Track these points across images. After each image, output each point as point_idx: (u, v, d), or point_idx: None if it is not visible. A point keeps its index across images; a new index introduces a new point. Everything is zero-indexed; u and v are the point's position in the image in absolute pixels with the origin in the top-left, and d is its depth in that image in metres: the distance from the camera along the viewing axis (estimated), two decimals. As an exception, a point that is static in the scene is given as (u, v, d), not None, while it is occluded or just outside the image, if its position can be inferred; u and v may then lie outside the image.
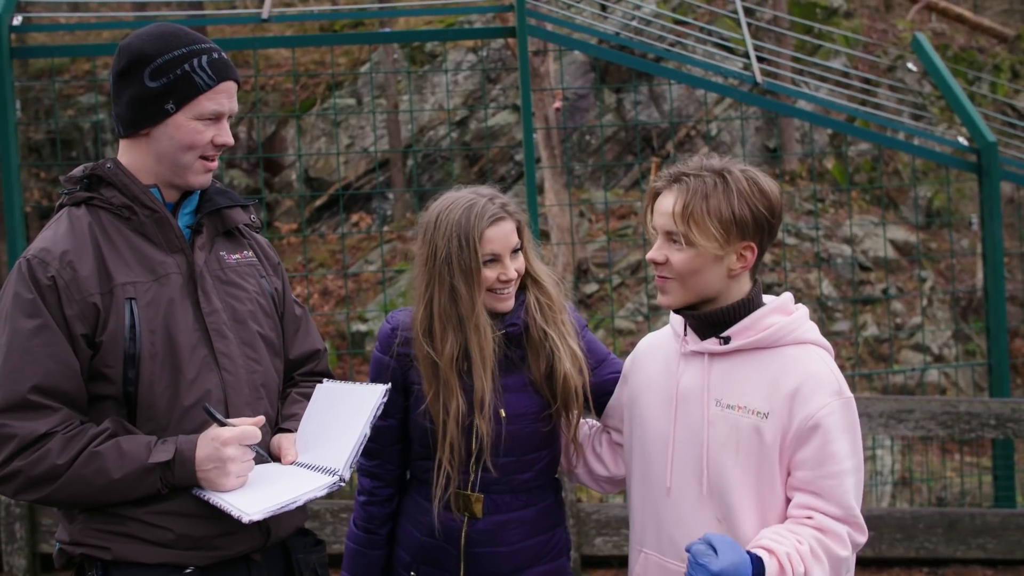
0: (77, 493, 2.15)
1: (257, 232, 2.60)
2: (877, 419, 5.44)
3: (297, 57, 16.77)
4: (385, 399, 2.37)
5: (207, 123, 2.30)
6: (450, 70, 15.44)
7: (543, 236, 14.69)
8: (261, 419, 2.27)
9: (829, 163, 16.26)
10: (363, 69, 16.26)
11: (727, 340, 2.35)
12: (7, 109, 5.52)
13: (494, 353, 2.56)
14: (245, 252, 2.49)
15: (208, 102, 2.28)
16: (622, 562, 5.39)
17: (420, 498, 2.69)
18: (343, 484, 2.23)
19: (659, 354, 2.52)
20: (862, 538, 2.28)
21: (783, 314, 2.37)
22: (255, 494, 2.17)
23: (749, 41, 6.17)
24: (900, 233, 14.91)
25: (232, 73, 2.34)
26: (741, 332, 2.35)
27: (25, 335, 2.15)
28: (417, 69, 16.14)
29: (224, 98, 2.31)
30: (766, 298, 2.44)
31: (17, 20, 5.64)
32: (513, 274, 2.59)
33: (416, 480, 2.73)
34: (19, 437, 2.12)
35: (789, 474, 2.30)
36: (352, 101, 16.41)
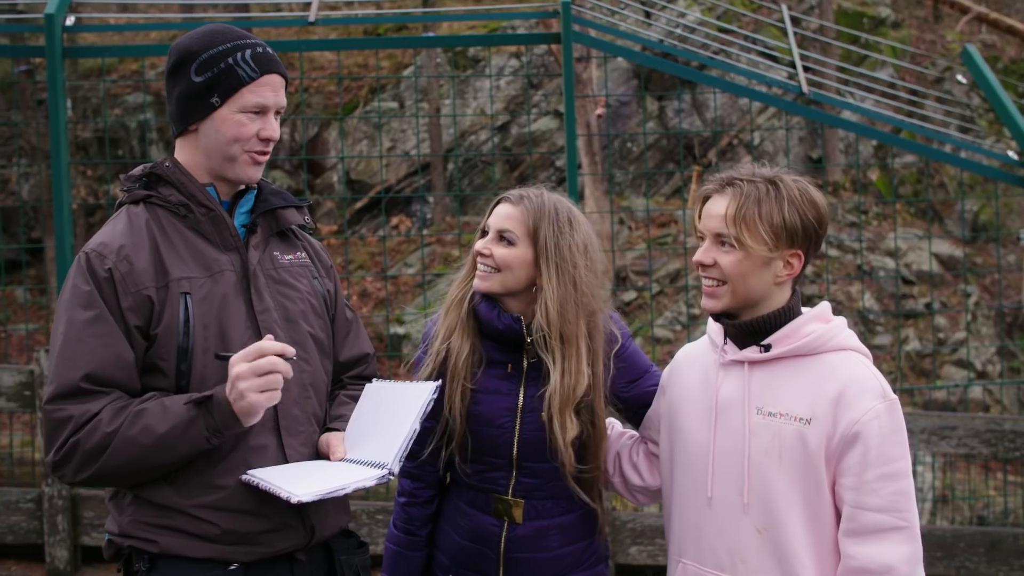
0: (129, 457, 2.18)
1: (311, 233, 2.64)
2: (919, 435, 5.39)
3: (341, 60, 16.92)
4: (436, 395, 2.40)
5: (251, 116, 2.33)
6: (493, 75, 15.48)
7: (582, 243, 14.67)
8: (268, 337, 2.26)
9: (873, 175, 16.12)
10: (406, 73, 16.36)
11: (767, 348, 2.36)
12: (59, 107, 5.62)
13: (468, 315, 2.66)
14: (298, 253, 2.53)
15: (251, 94, 2.32)
16: (657, 572, 5.38)
17: (459, 501, 2.71)
18: (392, 477, 2.24)
19: (697, 364, 2.52)
20: (914, 546, 2.26)
21: (822, 322, 2.39)
22: (305, 481, 2.20)
23: (795, 50, 6.15)
24: (945, 247, 14.75)
25: (277, 67, 2.36)
26: (782, 340, 2.36)
27: (80, 325, 2.21)
28: (460, 73, 16.21)
29: (268, 91, 2.34)
30: (804, 308, 2.45)
31: (70, 20, 5.74)
32: (486, 249, 2.65)
33: (456, 483, 2.76)
34: (75, 418, 2.18)
35: (835, 481, 2.29)
36: (395, 104, 16.52)
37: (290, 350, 2.22)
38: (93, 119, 14.33)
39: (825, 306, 2.44)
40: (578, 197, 5.69)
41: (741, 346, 2.41)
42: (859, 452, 2.25)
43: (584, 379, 2.59)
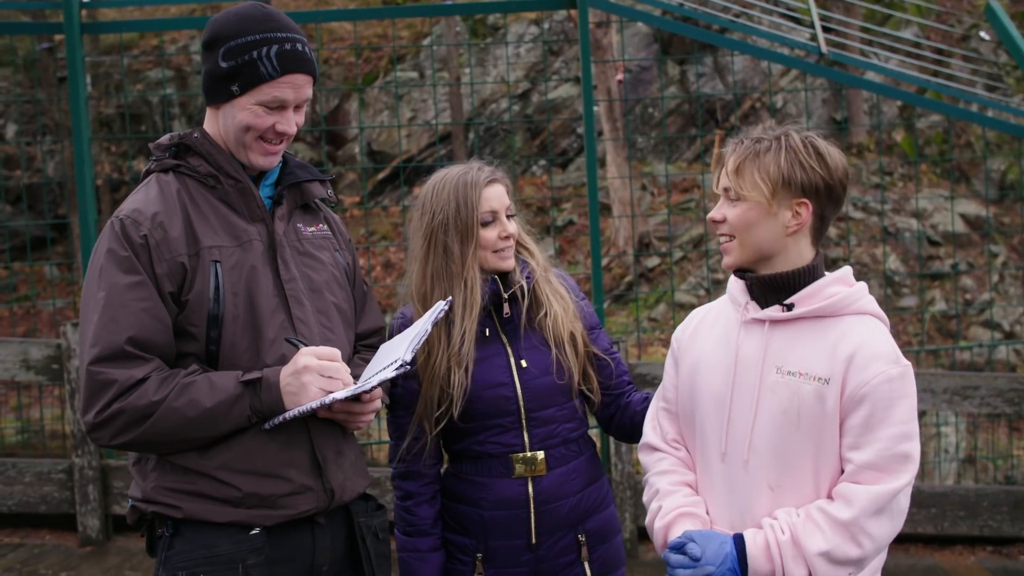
0: (172, 428, 2.23)
1: (333, 207, 2.67)
2: (941, 395, 5.38)
3: (360, 31, 16.88)
4: (447, 307, 2.53)
5: (268, 110, 2.36)
6: (512, 42, 15.41)
7: (604, 209, 14.68)
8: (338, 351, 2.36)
9: (898, 135, 15.96)
10: (425, 42, 16.31)
11: (790, 308, 2.38)
12: (79, 84, 5.66)
13: (482, 307, 2.71)
14: (321, 226, 2.58)
15: (270, 90, 2.34)
16: (680, 534, 5.42)
17: (472, 477, 2.75)
18: (408, 367, 2.31)
19: (719, 324, 2.54)
20: (904, 479, 2.25)
21: (845, 285, 2.41)
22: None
23: (815, 11, 6.08)
24: (971, 207, 14.61)
25: (302, 67, 2.37)
26: (804, 299, 2.38)
27: (121, 289, 2.25)
28: (479, 42, 16.15)
29: (288, 89, 2.35)
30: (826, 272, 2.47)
31: (88, -4, 5.77)
32: (513, 230, 2.76)
33: (459, 463, 2.79)
34: (119, 382, 2.22)
35: (840, 442, 2.31)
36: (415, 74, 16.49)
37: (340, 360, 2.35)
38: (116, 95, 14.39)
39: (847, 270, 2.46)
40: (595, 164, 5.67)
41: (763, 304, 2.43)
42: (863, 414, 2.26)
43: (569, 298, 2.83)
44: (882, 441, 2.25)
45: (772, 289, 2.41)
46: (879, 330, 2.36)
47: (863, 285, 2.43)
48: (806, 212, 2.39)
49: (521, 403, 2.70)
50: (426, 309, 2.70)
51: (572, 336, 2.78)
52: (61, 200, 15.58)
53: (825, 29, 6.26)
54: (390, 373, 2.28)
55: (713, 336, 2.52)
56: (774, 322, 2.40)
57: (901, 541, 5.56)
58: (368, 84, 16.51)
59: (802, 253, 2.42)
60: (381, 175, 15.64)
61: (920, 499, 5.46)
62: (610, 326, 11.81)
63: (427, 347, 2.69)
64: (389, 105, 16.30)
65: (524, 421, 2.71)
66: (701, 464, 2.52)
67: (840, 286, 2.40)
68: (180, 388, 2.23)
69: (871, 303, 2.40)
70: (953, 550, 5.60)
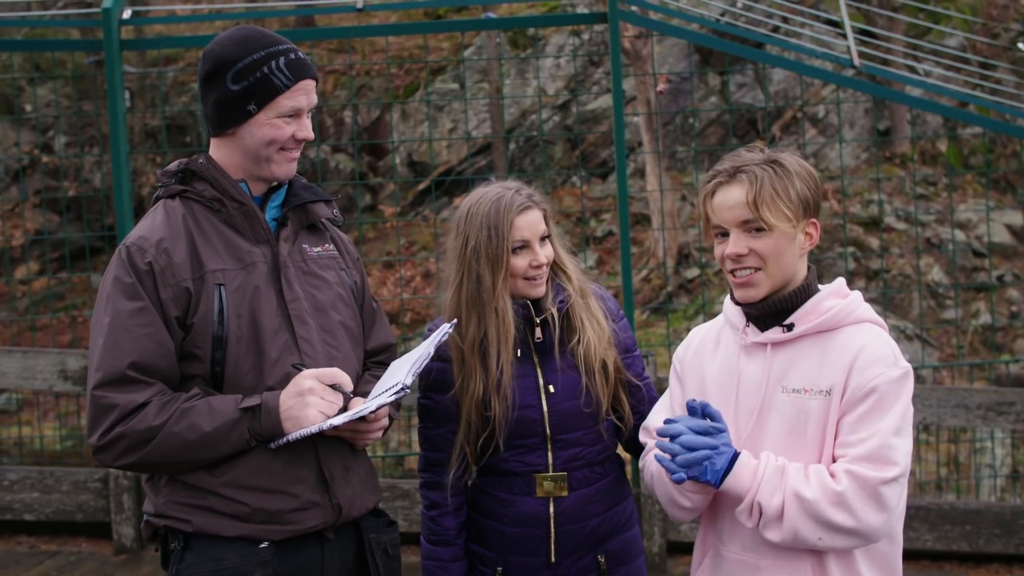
0: (172, 451, 2.29)
1: (339, 226, 2.72)
2: (975, 411, 5.31)
3: (401, 42, 17.01)
4: (452, 330, 2.55)
5: (287, 120, 2.43)
6: (551, 55, 15.45)
7: (644, 220, 14.64)
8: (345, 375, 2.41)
9: (943, 145, 15.76)
10: (466, 54, 16.40)
11: (790, 328, 2.39)
12: (117, 100, 5.77)
13: (516, 337, 2.71)
14: (327, 245, 2.62)
15: (287, 101, 2.42)
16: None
17: (496, 492, 2.77)
18: (407, 391, 2.34)
19: (720, 347, 2.54)
20: (893, 472, 2.24)
21: (840, 297, 2.43)
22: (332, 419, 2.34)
23: (847, 22, 6.04)
24: (1017, 218, 14.36)
25: (309, 72, 2.47)
26: (803, 317, 2.40)
27: (125, 315, 2.31)
28: (519, 53, 16.20)
29: (302, 96, 2.44)
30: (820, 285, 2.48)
31: (127, 14, 5.88)
32: (543, 259, 2.74)
33: (486, 477, 2.81)
34: (120, 407, 2.28)
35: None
36: (455, 86, 16.58)
37: (348, 384, 2.39)
38: (162, 107, 14.66)
39: (840, 281, 2.49)
40: (625, 178, 5.66)
41: (762, 326, 2.43)
42: (859, 411, 2.28)
43: (606, 323, 2.79)
44: (876, 436, 2.26)
45: (772, 313, 2.42)
46: (878, 334, 2.39)
47: (857, 294, 2.46)
48: (815, 232, 2.45)
49: (547, 425, 2.72)
50: (460, 331, 2.73)
51: (604, 364, 2.76)
52: (108, 211, 15.86)
53: (866, 41, 6.21)
54: (389, 397, 2.31)
55: (716, 360, 2.53)
56: (776, 344, 2.41)
57: (936, 558, 5.49)
58: (410, 95, 16.63)
59: (803, 271, 2.45)
60: (421, 186, 15.74)
61: (955, 516, 5.39)
62: (648, 337, 11.78)
63: (462, 373, 2.72)
64: (431, 116, 16.40)
65: (549, 443, 2.73)
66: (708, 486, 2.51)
67: (835, 299, 2.42)
68: (180, 413, 2.29)
69: (867, 311, 2.43)
70: (989, 568, 5.51)
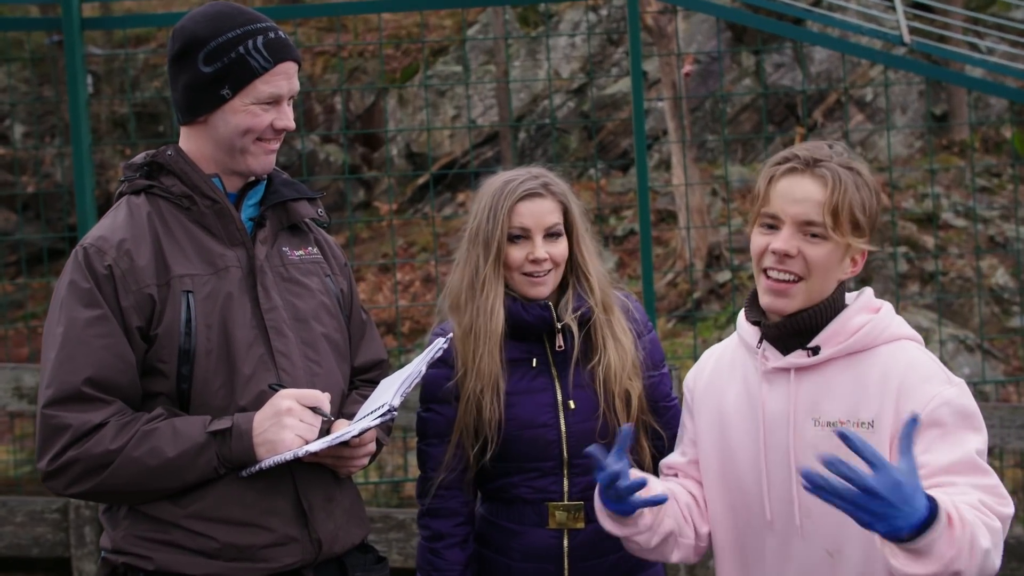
0: (131, 479, 2.27)
1: (325, 227, 2.71)
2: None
3: (398, 20, 17.00)
4: (446, 346, 2.56)
5: (265, 107, 2.42)
6: (565, 33, 15.43)
7: (669, 217, 14.61)
8: (326, 396, 2.40)
9: (1007, 131, 15.69)
10: (470, 32, 16.39)
11: (815, 351, 2.33)
12: (78, 85, 5.77)
13: (502, 335, 2.70)
14: (310, 248, 2.61)
15: (265, 86, 2.40)
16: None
17: (504, 522, 2.76)
18: (394, 413, 2.35)
19: (737, 372, 2.49)
20: (1008, 509, 2.18)
21: (870, 312, 2.37)
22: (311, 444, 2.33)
23: (898, -5, 6.01)
24: (1094, 213, 14.30)
25: (291, 53, 2.45)
26: (831, 339, 2.33)
27: (81, 325, 2.30)
28: (529, 32, 16.20)
29: (282, 80, 2.42)
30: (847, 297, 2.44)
31: (88, -11, 5.89)
32: (543, 255, 2.70)
33: (493, 505, 2.80)
34: (73, 428, 2.27)
35: None
36: (458, 68, 16.57)
37: (326, 406, 2.37)
38: (131, 94, 14.68)
39: (869, 293, 2.42)
40: (645, 169, 5.65)
41: (783, 349, 2.38)
42: (926, 440, 2.20)
43: (632, 348, 2.75)
44: (968, 463, 2.18)
45: (793, 333, 2.36)
46: (919, 351, 2.34)
47: (889, 307, 2.39)
48: (861, 260, 2.37)
49: (564, 448, 2.69)
50: (457, 319, 2.74)
51: (627, 395, 2.72)
52: (70, 209, 15.89)
53: (919, 15, 6.17)
54: (374, 421, 2.30)
55: (733, 388, 2.47)
56: (800, 369, 2.36)
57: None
58: (408, 79, 16.64)
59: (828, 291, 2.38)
60: (420, 180, 15.73)
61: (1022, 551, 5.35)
62: (674, 349, 11.75)
63: (463, 365, 2.72)
64: (431, 102, 16.41)
65: (566, 468, 2.70)
66: (736, 536, 2.48)
67: (866, 314, 2.35)
68: (141, 436, 2.27)
69: (902, 325, 2.37)
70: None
